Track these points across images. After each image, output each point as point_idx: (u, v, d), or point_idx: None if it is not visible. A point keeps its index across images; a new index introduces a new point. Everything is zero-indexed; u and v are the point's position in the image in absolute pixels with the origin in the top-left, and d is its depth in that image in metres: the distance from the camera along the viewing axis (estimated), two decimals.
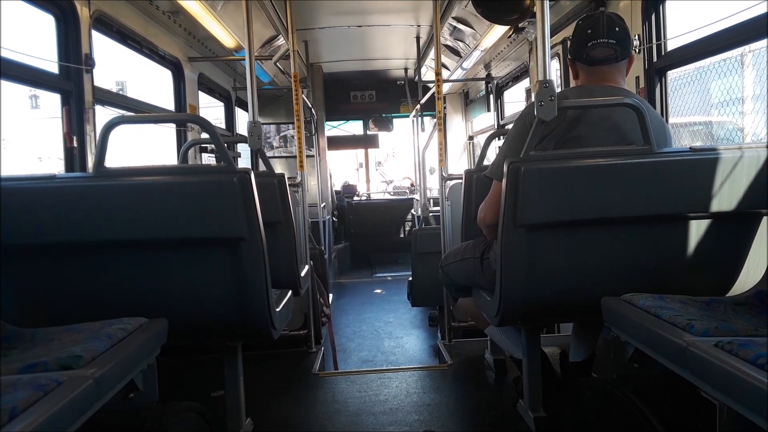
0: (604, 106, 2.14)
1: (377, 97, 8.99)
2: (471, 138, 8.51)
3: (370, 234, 9.22)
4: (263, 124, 6.35)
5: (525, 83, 5.88)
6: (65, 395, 1.24)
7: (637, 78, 3.23)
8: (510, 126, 2.36)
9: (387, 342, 5.31)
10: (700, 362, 1.35)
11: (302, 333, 3.81)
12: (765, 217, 2.01)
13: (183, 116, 4.65)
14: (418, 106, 6.95)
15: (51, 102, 3.05)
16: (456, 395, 2.97)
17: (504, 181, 1.97)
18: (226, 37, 4.47)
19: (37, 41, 2.97)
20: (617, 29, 2.15)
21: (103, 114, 3.23)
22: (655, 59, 3.14)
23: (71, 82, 2.95)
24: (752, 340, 1.33)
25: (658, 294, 1.83)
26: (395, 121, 9.41)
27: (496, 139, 3.80)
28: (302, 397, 3.00)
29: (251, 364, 2.73)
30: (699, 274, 2.04)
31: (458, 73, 6.73)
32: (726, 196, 1.93)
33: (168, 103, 4.61)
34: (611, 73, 2.20)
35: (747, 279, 2.02)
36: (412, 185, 10.39)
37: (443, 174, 3.79)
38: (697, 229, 2.01)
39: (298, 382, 3.20)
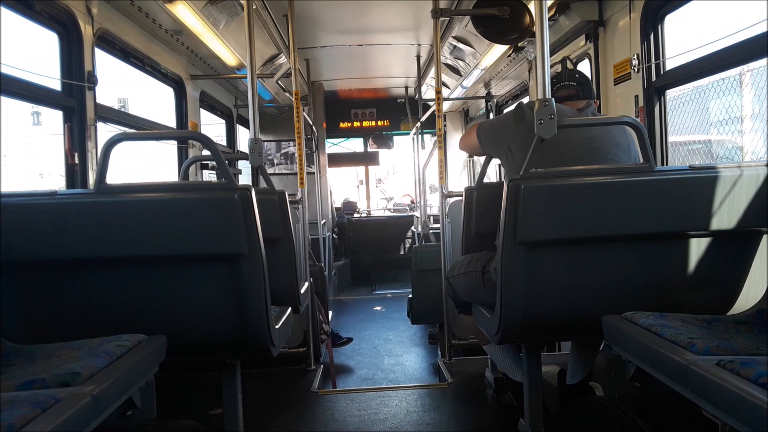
0: (603, 125, 2.17)
1: (378, 114, 9.03)
2: (471, 156, 8.53)
3: (370, 251, 9.20)
4: (264, 141, 6.38)
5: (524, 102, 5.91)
6: (63, 412, 1.23)
7: (636, 97, 3.25)
8: (511, 144, 2.39)
9: (386, 360, 5.28)
10: (701, 381, 1.34)
11: (301, 350, 3.79)
12: (765, 236, 2.01)
13: (184, 133, 4.68)
14: (419, 124, 6.98)
15: (53, 119, 3.06)
16: (456, 414, 2.95)
17: (504, 198, 1.98)
18: (228, 55, 4.51)
19: (40, 58, 3.00)
20: (577, 75, 2.55)
21: (105, 131, 3.25)
22: (653, 78, 3.17)
23: (74, 99, 2.96)
24: (753, 358, 1.32)
25: (659, 312, 1.82)
26: (396, 138, 9.45)
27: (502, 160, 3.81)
28: (301, 415, 2.98)
29: (250, 381, 2.72)
30: (699, 292, 2.04)
31: (458, 92, 6.77)
32: (726, 215, 1.93)
33: (170, 120, 4.64)
34: (573, 105, 2.47)
35: (748, 297, 2.02)
36: (412, 202, 10.40)
37: (443, 191, 3.80)
38: (697, 247, 2.01)
39: (296, 400, 3.18)
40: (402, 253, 9.29)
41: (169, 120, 4.63)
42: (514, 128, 2.37)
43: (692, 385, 1.38)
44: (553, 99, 1.98)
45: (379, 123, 9.08)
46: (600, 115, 2.61)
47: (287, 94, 6.33)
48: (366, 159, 9.90)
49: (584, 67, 3.83)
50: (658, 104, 3.19)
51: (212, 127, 6.77)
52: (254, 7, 3.42)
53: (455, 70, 6.17)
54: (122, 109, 4.53)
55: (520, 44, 4.28)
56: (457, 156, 8.85)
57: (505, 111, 2.76)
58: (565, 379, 2.60)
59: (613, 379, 2.80)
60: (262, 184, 3.11)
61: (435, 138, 3.97)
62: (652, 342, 1.61)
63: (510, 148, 2.38)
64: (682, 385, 1.43)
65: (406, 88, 8.12)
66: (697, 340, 1.51)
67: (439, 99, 3.77)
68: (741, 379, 1.24)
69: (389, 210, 10.96)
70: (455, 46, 5.41)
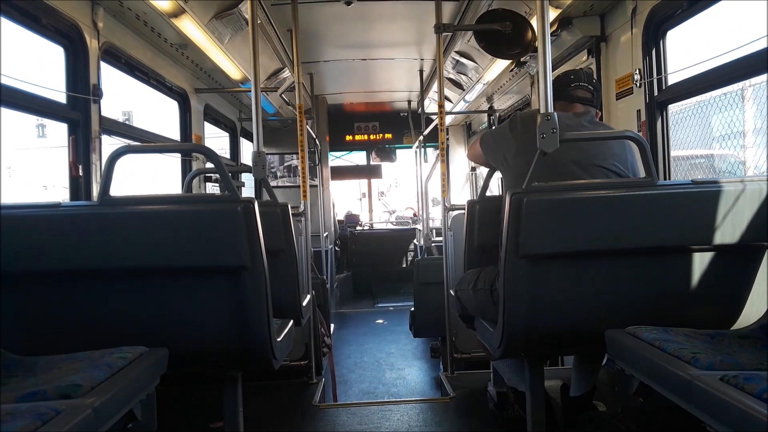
0: (606, 139, 2.18)
1: (381, 128, 9.07)
2: (473, 169, 8.55)
3: (373, 264, 9.19)
4: (268, 154, 6.41)
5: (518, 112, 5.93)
6: (64, 425, 1.22)
7: (639, 111, 3.26)
8: (506, 154, 2.43)
9: (388, 373, 5.26)
10: (705, 396, 1.33)
11: (303, 363, 3.77)
12: None
13: (188, 146, 4.69)
14: (421, 138, 7.00)
15: (58, 131, 3.09)
16: (458, 429, 2.93)
17: (506, 211, 1.98)
18: (232, 69, 4.54)
19: (46, 72, 3.02)
20: (594, 81, 2.55)
21: (109, 143, 3.27)
22: (656, 93, 3.18)
23: (79, 111, 2.98)
24: (757, 373, 1.31)
25: (662, 326, 1.82)
26: (398, 151, 9.48)
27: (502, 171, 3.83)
28: (302, 429, 2.96)
29: (251, 394, 2.70)
30: (703, 306, 2.03)
31: (461, 106, 6.80)
32: (729, 229, 1.93)
33: (173, 133, 4.66)
34: (574, 109, 2.46)
35: (751, 312, 2.01)
36: (414, 215, 10.41)
37: (446, 204, 3.80)
38: (700, 261, 2.00)
39: (298, 414, 3.16)
40: (404, 266, 9.28)
41: (173, 133, 4.66)
42: (510, 136, 2.42)
43: (696, 400, 1.38)
44: (555, 114, 1.99)
45: (382, 136, 9.12)
46: (600, 123, 2.61)
47: (291, 108, 6.36)
48: (369, 172, 9.93)
49: None
50: (660, 119, 3.20)
51: (216, 140, 6.80)
52: (259, 21, 3.45)
53: (458, 85, 6.19)
54: (127, 122, 4.55)
55: (522, 59, 4.30)
56: (459, 169, 8.87)
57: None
58: (567, 394, 2.59)
59: (617, 394, 2.78)
60: (265, 196, 3.12)
61: (437, 151, 3.99)
62: (656, 356, 1.60)
63: (506, 157, 2.41)
64: (685, 400, 1.42)
65: (409, 102, 8.16)
66: (701, 354, 1.50)
67: (441, 113, 3.78)
68: (745, 394, 1.24)
69: (392, 223, 10.97)
70: (458, 61, 5.44)
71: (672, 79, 3.14)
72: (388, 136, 9.12)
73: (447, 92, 6.49)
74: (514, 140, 2.39)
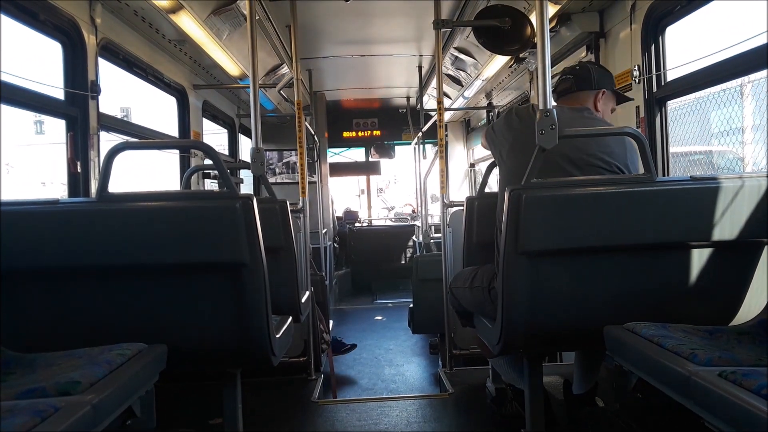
0: (604, 135, 2.18)
1: (379, 124, 9.06)
2: (472, 165, 8.55)
3: (371, 260, 9.19)
4: (266, 150, 6.40)
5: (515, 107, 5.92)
6: (63, 421, 1.22)
7: (638, 108, 3.26)
8: (501, 150, 2.44)
9: (387, 370, 5.26)
10: (703, 392, 1.34)
11: (302, 360, 3.78)
12: (766, 246, 2.01)
13: (187, 142, 4.69)
14: (420, 134, 6.99)
15: (56, 127, 3.08)
16: (457, 425, 2.93)
17: (505, 208, 1.98)
18: (230, 65, 4.53)
19: (44, 68, 3.01)
20: (577, 67, 2.52)
21: (108, 140, 3.26)
22: (655, 89, 3.17)
23: (77, 108, 2.98)
24: (755, 369, 1.32)
25: (660, 323, 1.82)
26: (397, 148, 9.47)
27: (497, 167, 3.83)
28: (301, 425, 2.97)
29: (250, 391, 2.71)
30: (701, 302, 2.03)
31: (460, 102, 6.79)
32: (727, 225, 1.93)
33: (172, 129, 4.66)
34: (570, 102, 2.45)
35: (750, 308, 2.01)
36: (413, 212, 10.41)
37: (444, 201, 3.80)
38: (698, 257, 2.01)
39: (297, 410, 3.17)
40: (403, 262, 9.28)
41: (172, 129, 4.65)
42: (505, 132, 2.42)
43: (694, 396, 1.38)
44: (554, 110, 1.99)
45: (380, 133, 9.11)
46: (600, 119, 2.52)
47: (289, 104, 6.35)
48: (367, 168, 9.92)
49: None
50: (659, 115, 3.19)
51: (214, 136, 6.79)
52: (257, 17, 3.44)
53: (457, 81, 6.19)
54: (125, 118, 4.54)
55: (521, 55, 4.30)
56: (458, 166, 8.87)
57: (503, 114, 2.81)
58: (570, 390, 2.59)
59: (616, 390, 2.79)
60: (264, 193, 3.11)
61: (436, 148, 3.98)
62: (654, 353, 1.60)
63: (501, 153, 2.41)
64: (683, 396, 1.43)
65: (408, 98, 8.15)
66: (699, 350, 1.50)
67: (440, 109, 3.78)
68: (743, 390, 1.24)
69: (390, 219, 10.96)
70: (457, 57, 5.43)
71: (671, 76, 3.13)
72: (387, 132, 9.11)
73: (446, 88, 6.48)
74: (509, 135, 2.39)
